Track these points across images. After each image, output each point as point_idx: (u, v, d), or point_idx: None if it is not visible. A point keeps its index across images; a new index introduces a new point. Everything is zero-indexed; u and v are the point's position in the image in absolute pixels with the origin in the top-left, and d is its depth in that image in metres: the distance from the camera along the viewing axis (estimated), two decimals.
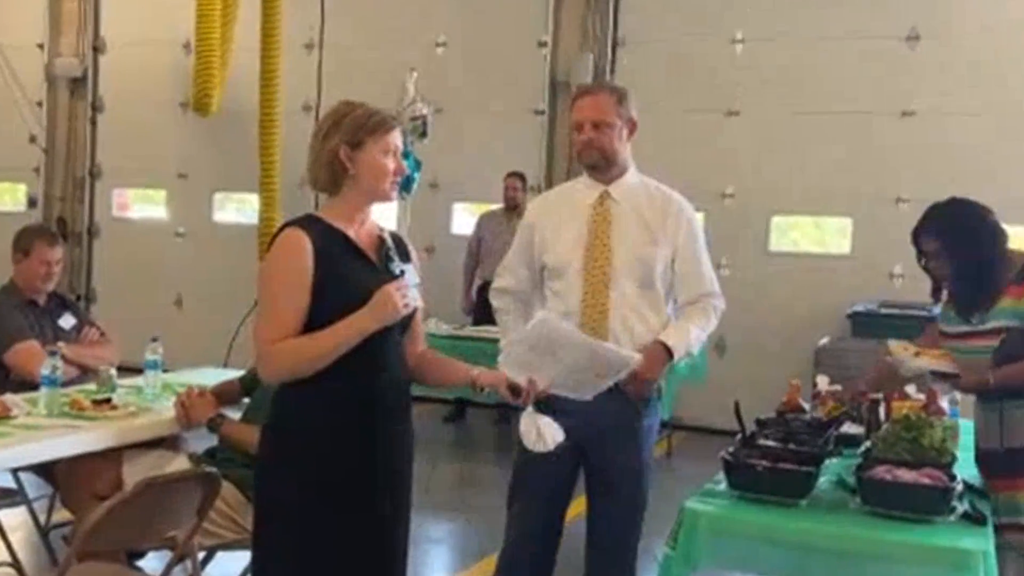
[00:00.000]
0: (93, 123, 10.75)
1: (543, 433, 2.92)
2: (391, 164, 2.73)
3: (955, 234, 3.36)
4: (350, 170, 2.70)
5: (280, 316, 2.61)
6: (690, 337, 3.40)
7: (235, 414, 3.80)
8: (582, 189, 3.51)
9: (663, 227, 3.43)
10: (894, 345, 3.52)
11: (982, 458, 3.41)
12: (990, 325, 3.32)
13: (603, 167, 3.43)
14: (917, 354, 3.44)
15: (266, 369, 2.69)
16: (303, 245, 2.62)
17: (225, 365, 5.51)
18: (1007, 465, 3.29)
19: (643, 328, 3.38)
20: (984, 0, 7.91)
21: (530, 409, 2.89)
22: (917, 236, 3.43)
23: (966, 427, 3.95)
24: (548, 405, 3.17)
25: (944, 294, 3.52)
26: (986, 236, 3.36)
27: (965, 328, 3.38)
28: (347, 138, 2.69)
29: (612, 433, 3.36)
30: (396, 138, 2.76)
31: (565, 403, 3.19)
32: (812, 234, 8.81)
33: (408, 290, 2.65)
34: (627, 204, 3.42)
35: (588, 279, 3.37)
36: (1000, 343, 3.27)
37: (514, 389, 2.82)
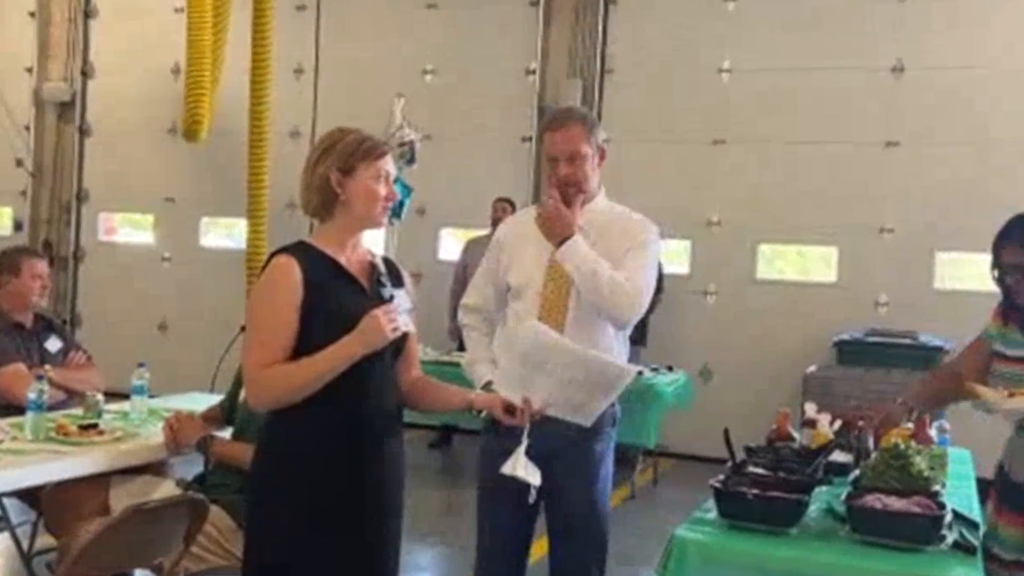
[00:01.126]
0: (80, 147, 10.75)
1: (525, 475, 2.92)
2: (382, 190, 2.73)
3: None
4: (341, 196, 2.70)
5: (268, 343, 2.61)
6: (590, 263, 3.26)
7: (224, 435, 3.79)
8: None
9: (623, 250, 3.36)
10: (982, 388, 3.07)
11: (1009, 492, 3.12)
12: None
13: (576, 202, 3.38)
14: (1011, 395, 3.00)
15: (255, 396, 2.68)
16: (292, 272, 2.62)
17: (212, 390, 5.46)
18: None
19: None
20: (967, 33, 8.00)
21: (523, 446, 2.87)
22: (1001, 247, 3.12)
23: (956, 456, 3.96)
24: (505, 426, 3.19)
25: (995, 314, 3.25)
26: None
27: None
28: (338, 164, 2.70)
29: (566, 454, 3.30)
30: (388, 164, 2.77)
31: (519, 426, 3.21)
32: (798, 263, 8.85)
33: (397, 314, 2.64)
34: (592, 230, 3.38)
35: (544, 303, 3.35)
36: None
37: (509, 409, 2.81)
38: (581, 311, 3.32)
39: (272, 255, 2.70)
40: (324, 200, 2.73)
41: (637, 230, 3.42)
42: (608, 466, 3.48)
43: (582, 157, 3.36)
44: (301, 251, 2.69)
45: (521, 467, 2.93)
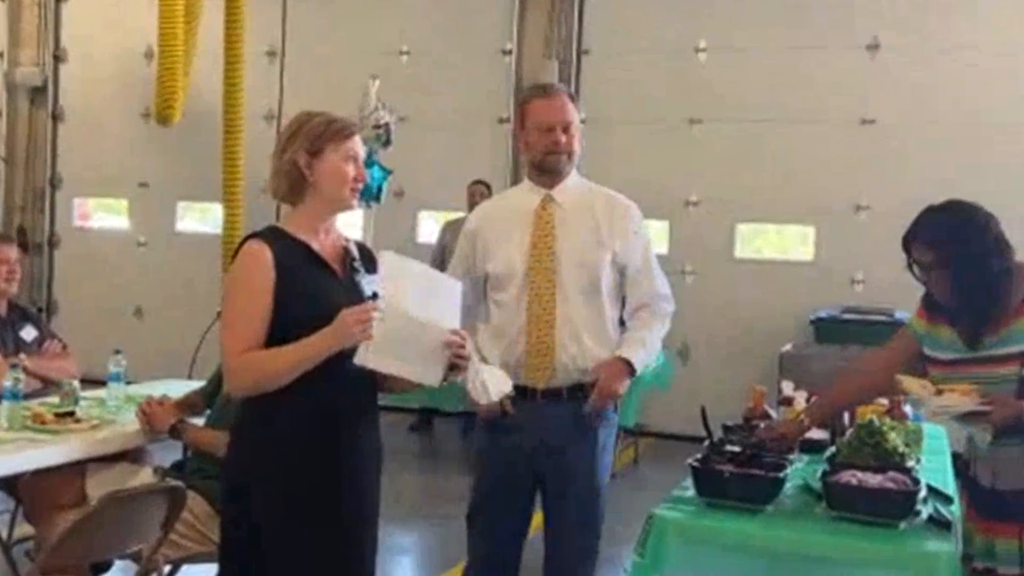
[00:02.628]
0: (53, 132, 10.64)
1: (487, 384, 2.88)
2: (351, 170, 2.71)
3: (950, 244, 2.89)
4: (309, 178, 2.69)
5: (243, 329, 2.60)
6: (648, 347, 3.38)
7: (199, 423, 3.78)
8: (524, 194, 3.45)
9: (610, 229, 3.37)
10: (909, 383, 2.95)
11: (976, 494, 3.00)
12: (1006, 350, 2.87)
13: (564, 172, 3.39)
14: (939, 392, 2.84)
15: (231, 382, 2.68)
16: (264, 257, 2.61)
17: (189, 377, 5.45)
18: (995, 506, 2.91)
19: (591, 342, 3.32)
20: (942, 11, 8.01)
21: (474, 361, 2.79)
22: (909, 244, 2.99)
23: (931, 431, 4.00)
24: (502, 423, 3.21)
25: (920, 311, 3.12)
26: (993, 246, 2.90)
27: (969, 355, 2.94)
28: (306, 146, 2.68)
29: (567, 447, 3.32)
30: (356, 144, 2.75)
31: (517, 419, 3.23)
32: (776, 241, 8.88)
33: (370, 314, 2.52)
34: (571, 208, 3.36)
35: (533, 288, 3.30)
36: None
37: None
38: (570, 295, 3.31)
39: (244, 240, 2.69)
40: (293, 184, 2.71)
41: (626, 213, 3.43)
42: (610, 454, 3.47)
43: (575, 128, 3.37)
44: (273, 236, 2.68)
45: (486, 386, 2.87)
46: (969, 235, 2.90)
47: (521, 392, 3.27)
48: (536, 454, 3.31)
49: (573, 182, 3.44)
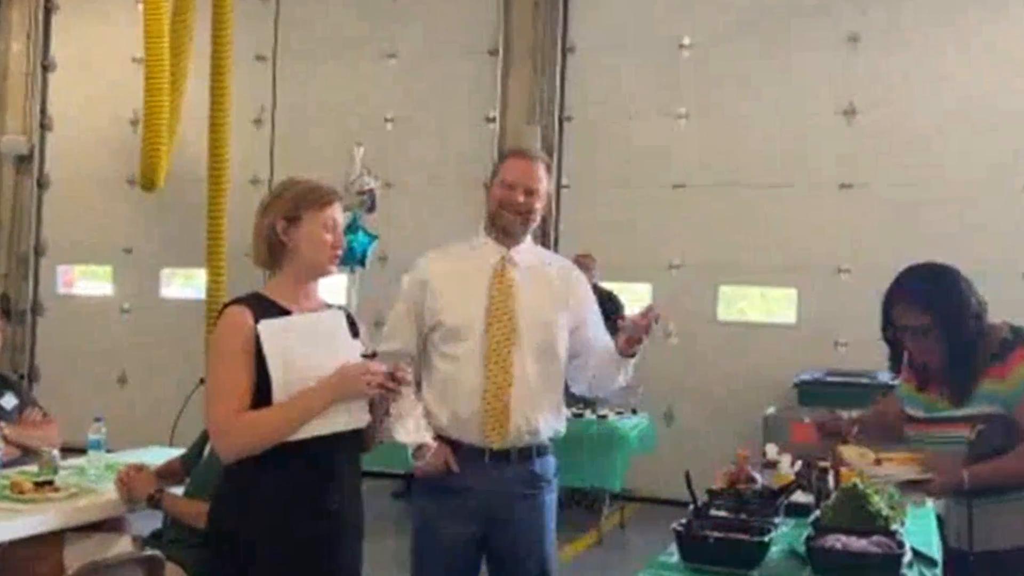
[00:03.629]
0: (39, 200, 10.66)
1: (419, 424, 2.94)
2: (329, 238, 2.74)
3: (947, 308, 2.91)
4: (288, 244, 2.71)
5: (231, 392, 2.60)
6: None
7: (178, 492, 3.74)
8: (480, 249, 3.40)
9: (565, 293, 3.38)
10: (849, 452, 3.00)
11: (948, 559, 3.02)
12: (968, 411, 2.93)
13: (514, 232, 3.37)
14: (878, 461, 2.91)
15: (225, 446, 2.65)
16: (246, 320, 2.63)
17: (171, 444, 5.40)
18: (979, 571, 2.93)
19: (544, 404, 3.31)
20: (915, 76, 8.16)
21: (408, 393, 2.82)
22: (891, 306, 3.00)
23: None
24: (442, 481, 3.20)
25: (904, 372, 3.12)
26: (975, 308, 2.94)
27: (940, 415, 2.99)
28: (284, 212, 2.71)
29: (514, 511, 3.28)
30: (335, 212, 2.77)
31: (462, 480, 3.21)
32: (759, 304, 8.92)
33: (372, 374, 2.62)
34: (528, 269, 3.37)
35: (491, 344, 3.26)
36: (976, 434, 2.87)
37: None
38: (528, 355, 3.29)
39: (225, 306, 2.70)
40: (271, 249, 2.74)
41: (579, 278, 3.50)
42: (554, 516, 3.42)
43: (539, 195, 3.36)
44: (254, 301, 2.71)
45: (417, 425, 2.93)
46: (960, 299, 2.94)
47: (469, 451, 3.25)
48: (481, 518, 3.26)
49: (528, 246, 3.45)
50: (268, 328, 2.61)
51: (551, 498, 3.39)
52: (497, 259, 3.36)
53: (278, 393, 2.59)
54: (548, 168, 3.45)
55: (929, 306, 2.93)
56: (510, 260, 3.37)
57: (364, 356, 2.73)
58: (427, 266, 3.44)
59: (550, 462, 3.40)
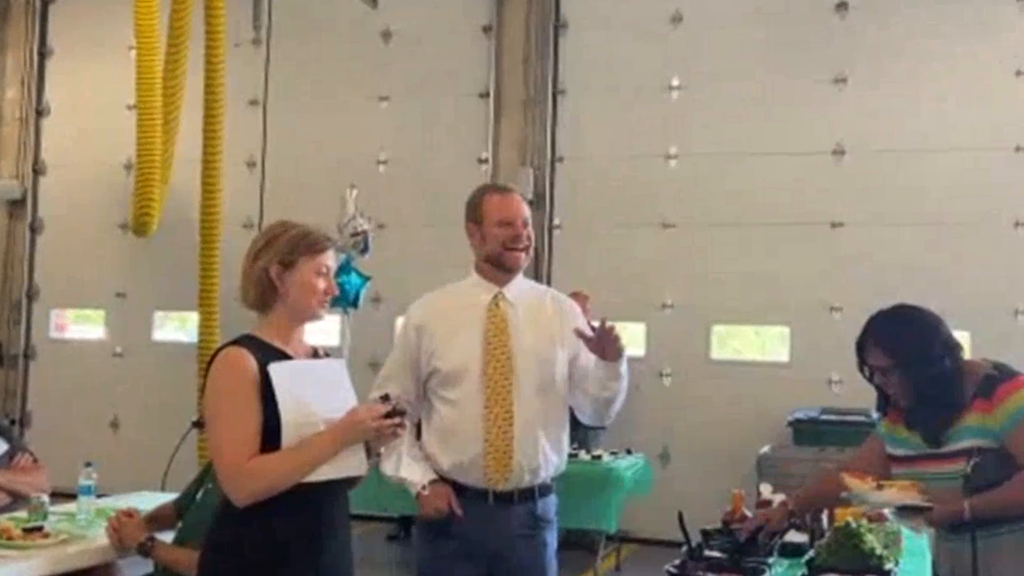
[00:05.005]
0: (31, 244, 10.67)
1: (412, 465, 2.99)
2: (321, 284, 2.76)
3: (908, 349, 3.00)
4: (280, 289, 2.72)
5: (240, 435, 2.59)
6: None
7: (169, 537, 3.71)
8: (472, 290, 3.38)
9: (560, 327, 3.34)
10: (851, 480, 3.00)
11: None
12: (956, 446, 2.95)
13: (520, 268, 3.38)
14: (879, 487, 2.92)
15: (238, 491, 2.62)
16: (247, 362, 2.63)
17: (163, 488, 5.36)
18: None
19: (546, 443, 3.28)
20: (904, 115, 8.24)
21: (406, 436, 2.85)
22: (862, 349, 3.10)
23: (910, 532, 3.95)
24: (445, 524, 3.19)
25: (892, 412, 3.17)
26: (941, 349, 3.01)
27: (926, 451, 3.01)
28: (279, 258, 2.73)
29: (516, 552, 3.27)
30: (328, 259, 2.80)
31: (464, 523, 3.20)
32: (753, 342, 8.93)
33: (378, 416, 2.66)
34: (521, 306, 3.34)
35: (489, 385, 3.23)
36: (972, 467, 2.86)
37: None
38: (528, 394, 3.26)
39: (219, 349, 2.70)
40: (263, 292, 2.75)
41: (572, 310, 3.46)
42: (554, 556, 3.40)
43: (530, 227, 3.39)
44: (249, 342, 2.71)
45: (401, 462, 2.99)
46: (922, 340, 3.02)
47: (473, 494, 3.24)
48: (484, 557, 3.24)
49: (520, 281, 3.43)
50: (279, 371, 2.63)
51: (552, 537, 3.37)
52: (490, 298, 3.35)
53: (287, 436, 2.59)
54: (524, 199, 3.48)
55: (890, 347, 3.03)
56: (503, 297, 3.36)
57: (381, 398, 2.76)
58: (420, 311, 3.42)
59: (552, 502, 3.39)
